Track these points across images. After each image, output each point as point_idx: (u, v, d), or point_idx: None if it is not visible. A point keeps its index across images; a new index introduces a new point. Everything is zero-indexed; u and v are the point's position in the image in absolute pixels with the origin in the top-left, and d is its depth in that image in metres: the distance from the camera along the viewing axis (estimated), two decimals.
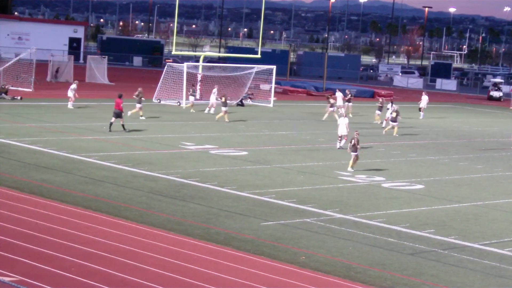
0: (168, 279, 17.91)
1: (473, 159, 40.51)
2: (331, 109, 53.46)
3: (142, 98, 46.67)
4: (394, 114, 47.41)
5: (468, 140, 48.69)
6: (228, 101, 48.72)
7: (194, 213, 24.32)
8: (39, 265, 18.06)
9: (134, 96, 46.79)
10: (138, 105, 46.42)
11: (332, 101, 54.25)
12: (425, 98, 61.29)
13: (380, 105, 53.83)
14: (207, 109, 52.67)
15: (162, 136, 40.63)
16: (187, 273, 18.41)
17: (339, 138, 40.12)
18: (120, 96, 41.43)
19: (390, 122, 47.86)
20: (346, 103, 56.18)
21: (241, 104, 60.44)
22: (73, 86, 50.69)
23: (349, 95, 57.41)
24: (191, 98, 54.19)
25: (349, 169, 33.61)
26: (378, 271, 19.74)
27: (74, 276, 17.49)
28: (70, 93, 50.27)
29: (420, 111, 60.59)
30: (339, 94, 58.12)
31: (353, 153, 33.70)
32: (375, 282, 18.90)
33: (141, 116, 46.56)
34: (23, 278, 16.93)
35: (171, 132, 42.48)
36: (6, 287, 14.12)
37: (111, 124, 40.63)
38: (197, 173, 30.68)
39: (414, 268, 20.23)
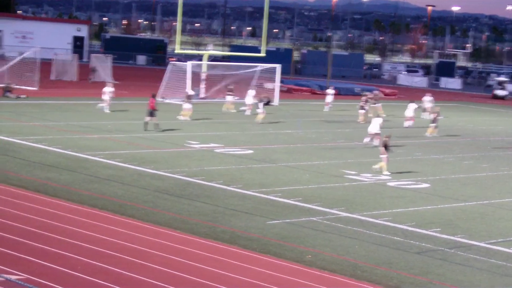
0: (174, 277, 17.89)
1: (478, 158, 40.46)
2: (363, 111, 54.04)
3: (192, 100, 47.16)
4: (432, 116, 47.47)
5: (473, 139, 48.63)
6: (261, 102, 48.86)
7: (200, 211, 24.30)
8: (45, 263, 18.05)
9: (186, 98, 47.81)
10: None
11: (367, 102, 54.50)
12: (427, 99, 59.01)
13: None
14: (247, 110, 52.51)
15: (167, 134, 40.62)
16: (193, 271, 18.39)
17: (371, 136, 40.71)
18: (153, 96, 41.82)
19: (430, 124, 47.72)
20: (377, 104, 55.71)
21: (266, 104, 60.32)
22: (110, 88, 49.01)
23: (378, 95, 56.78)
24: (229, 98, 54.29)
25: (385, 172, 32.93)
26: (384, 270, 19.70)
27: (80, 275, 17.47)
28: (106, 96, 48.44)
29: (425, 111, 58.30)
30: (330, 91, 60.43)
31: (382, 156, 33.10)
32: (382, 281, 18.86)
33: (189, 117, 46.94)
34: (30, 277, 16.93)
35: (176, 130, 42.45)
36: (13, 285, 14.12)
37: (146, 123, 41.00)
38: (202, 172, 30.66)
39: (421, 267, 20.19)
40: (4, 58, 66.81)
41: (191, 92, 50.20)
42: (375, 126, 40.45)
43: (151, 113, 41.18)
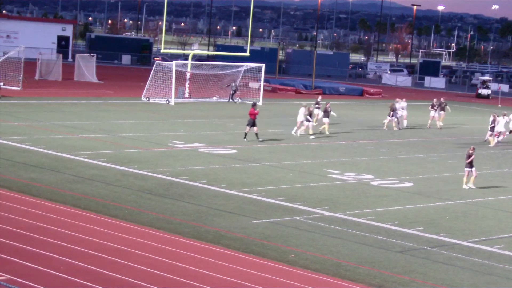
0: (157, 277, 17.89)
1: (462, 157, 40.35)
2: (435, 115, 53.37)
3: (332, 112, 45.60)
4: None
5: (457, 138, 48.78)
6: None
7: (183, 211, 24.31)
8: (28, 263, 18.02)
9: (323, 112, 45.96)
10: (325, 120, 45.31)
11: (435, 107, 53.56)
12: (502, 120, 46.76)
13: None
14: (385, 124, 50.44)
15: (151, 134, 40.58)
16: (176, 271, 18.40)
17: (497, 134, 45.60)
18: (253, 105, 41.20)
19: None
20: (441, 111, 54.18)
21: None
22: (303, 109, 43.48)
23: (443, 103, 55.14)
24: (308, 123, 44.13)
25: (464, 186, 31.96)
26: (367, 269, 19.76)
27: (63, 275, 17.45)
28: (300, 117, 43.29)
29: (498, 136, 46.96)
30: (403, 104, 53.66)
31: (466, 169, 32.16)
32: (364, 280, 18.92)
33: (327, 132, 45.12)
34: (12, 277, 16.89)
35: (160, 130, 42.41)
36: None
37: (245, 134, 40.52)
38: (186, 172, 30.66)
39: (403, 266, 20.26)
40: None
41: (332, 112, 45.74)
42: (501, 125, 45.19)
43: (253, 123, 40.40)
